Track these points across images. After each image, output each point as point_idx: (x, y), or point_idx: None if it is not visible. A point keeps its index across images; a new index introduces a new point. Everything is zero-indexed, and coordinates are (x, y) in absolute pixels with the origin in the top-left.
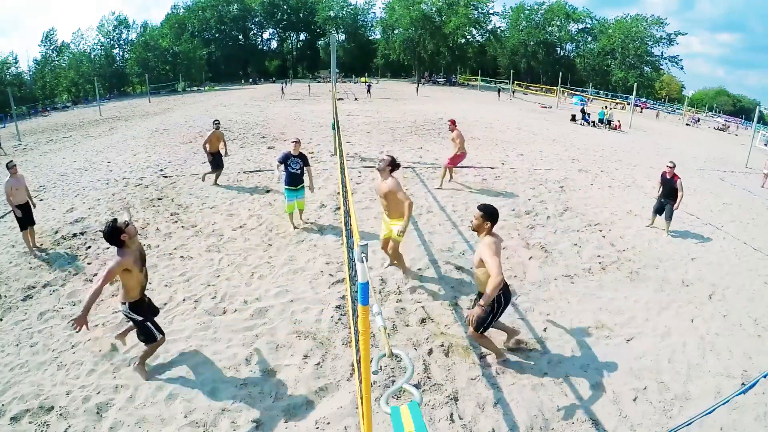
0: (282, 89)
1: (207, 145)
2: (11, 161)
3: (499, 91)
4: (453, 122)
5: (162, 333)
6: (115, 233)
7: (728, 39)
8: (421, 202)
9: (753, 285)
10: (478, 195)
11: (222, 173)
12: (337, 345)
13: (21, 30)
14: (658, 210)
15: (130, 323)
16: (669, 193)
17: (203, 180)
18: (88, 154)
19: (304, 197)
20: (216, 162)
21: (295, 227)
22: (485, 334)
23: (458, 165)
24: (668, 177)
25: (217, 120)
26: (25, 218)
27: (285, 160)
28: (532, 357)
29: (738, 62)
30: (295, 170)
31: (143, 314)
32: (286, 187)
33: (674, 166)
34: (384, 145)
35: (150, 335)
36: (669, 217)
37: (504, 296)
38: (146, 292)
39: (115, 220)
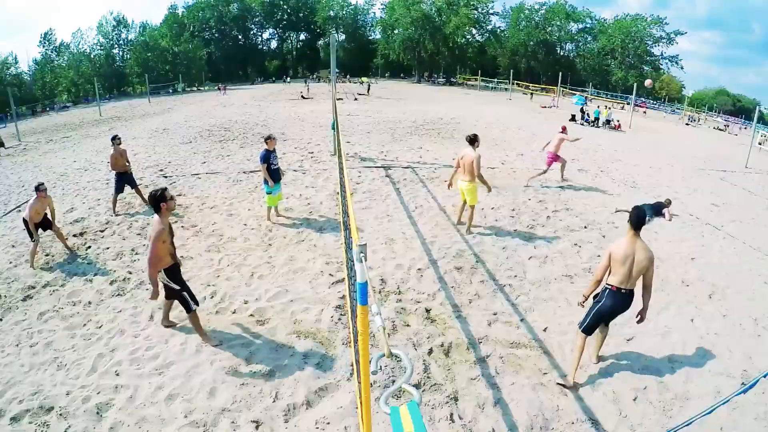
0: (302, 94)
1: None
2: (42, 184)
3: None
4: None
5: (197, 303)
6: (159, 200)
7: (709, 36)
8: (421, 202)
9: (753, 285)
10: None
11: (217, 174)
12: (337, 345)
13: (21, 31)
14: None
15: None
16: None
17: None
18: (88, 154)
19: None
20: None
21: (273, 222)
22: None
23: None
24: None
25: (117, 136)
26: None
27: (266, 158)
28: (532, 357)
29: (725, 59)
30: (277, 165)
31: (179, 283)
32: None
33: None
34: (384, 145)
35: (186, 304)
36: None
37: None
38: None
39: (165, 188)
